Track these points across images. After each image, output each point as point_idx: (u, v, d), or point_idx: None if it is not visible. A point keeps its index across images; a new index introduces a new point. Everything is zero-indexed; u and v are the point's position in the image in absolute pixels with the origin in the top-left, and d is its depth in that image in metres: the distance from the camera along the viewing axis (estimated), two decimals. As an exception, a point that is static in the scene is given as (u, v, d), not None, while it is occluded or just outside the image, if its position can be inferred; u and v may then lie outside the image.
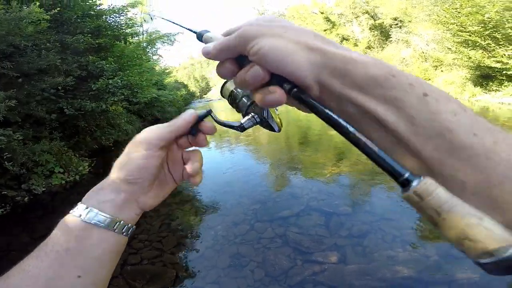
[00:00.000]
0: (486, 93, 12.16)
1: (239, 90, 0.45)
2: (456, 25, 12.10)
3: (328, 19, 28.60)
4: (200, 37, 0.39)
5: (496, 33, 10.83)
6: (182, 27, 0.49)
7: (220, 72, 0.32)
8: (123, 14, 9.13)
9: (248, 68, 0.29)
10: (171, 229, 3.55)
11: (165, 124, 0.38)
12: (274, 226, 3.30)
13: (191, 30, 0.43)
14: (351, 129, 0.25)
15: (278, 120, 0.42)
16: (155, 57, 22.25)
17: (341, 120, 0.25)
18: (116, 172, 0.37)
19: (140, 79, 8.24)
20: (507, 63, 10.65)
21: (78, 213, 0.35)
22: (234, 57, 0.31)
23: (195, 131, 0.40)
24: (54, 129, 6.13)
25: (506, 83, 11.27)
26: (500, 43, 10.91)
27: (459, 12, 11.82)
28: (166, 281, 2.67)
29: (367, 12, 24.42)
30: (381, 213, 3.39)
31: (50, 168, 5.34)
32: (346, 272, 2.44)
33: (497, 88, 11.63)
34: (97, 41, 7.13)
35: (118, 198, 0.36)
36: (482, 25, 11.05)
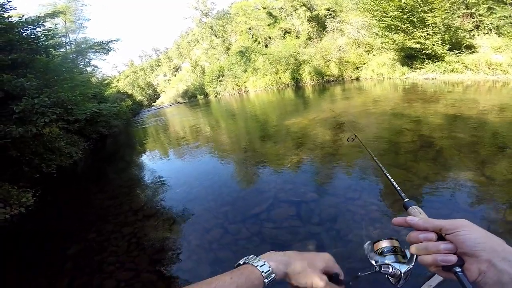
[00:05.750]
0: (413, 71, 13.82)
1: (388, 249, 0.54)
2: (380, 12, 13.43)
3: (270, 14, 29.30)
4: (406, 207, 0.58)
5: (412, 17, 12.32)
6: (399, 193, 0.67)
7: (417, 236, 0.48)
8: (39, 25, 8.09)
9: (442, 242, 0.46)
10: (141, 247, 3.28)
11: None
12: (248, 225, 3.26)
13: (401, 198, 0.63)
14: None
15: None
16: (89, 69, 20.30)
17: None
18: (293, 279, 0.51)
19: (73, 94, 7.37)
20: (424, 43, 12.21)
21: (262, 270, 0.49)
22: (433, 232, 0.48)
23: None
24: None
25: (427, 61, 12.94)
26: (416, 25, 12.44)
27: (380, -1, 13.12)
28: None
29: (304, 5, 25.61)
30: (344, 193, 3.59)
31: (-14, 204, 4.74)
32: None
33: (421, 66, 13.29)
34: (10, 57, 6.18)
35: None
36: (400, 10, 12.45)
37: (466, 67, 11.27)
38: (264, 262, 0.50)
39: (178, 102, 37.94)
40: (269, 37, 29.37)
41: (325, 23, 22.95)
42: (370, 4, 13.85)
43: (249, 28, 32.25)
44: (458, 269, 0.43)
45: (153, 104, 44.46)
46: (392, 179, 0.70)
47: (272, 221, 3.27)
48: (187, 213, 3.93)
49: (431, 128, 5.50)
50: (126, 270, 2.90)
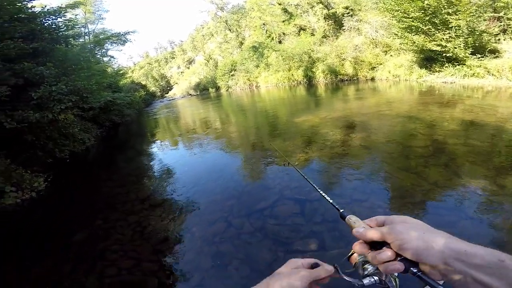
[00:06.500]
0: (431, 74, 13.37)
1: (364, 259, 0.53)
2: (400, 12, 13.02)
3: (285, 10, 28.94)
4: (343, 217, 0.59)
5: (435, 19, 11.87)
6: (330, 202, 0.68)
7: (355, 247, 0.51)
8: (60, 16, 8.32)
9: (378, 252, 0.46)
10: (145, 237, 3.35)
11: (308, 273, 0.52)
12: (252, 220, 3.28)
13: (337, 209, 0.64)
14: None
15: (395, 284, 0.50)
16: (105, 59, 20.67)
17: None
18: None
19: (89, 83, 7.58)
20: (446, 46, 11.76)
21: None
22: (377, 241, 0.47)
23: None
24: (-4, 147, 5.49)
25: (446, 64, 12.48)
26: (438, 27, 11.99)
27: (402, -1, 12.70)
28: (149, 290, 2.53)
29: (321, 2, 25.13)
30: (351, 194, 3.54)
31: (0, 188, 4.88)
32: (328, 259, 2.46)
33: (440, 69, 12.84)
34: (31, 46, 6.38)
35: None
36: (423, 11, 12.02)
37: (488, 72, 10.81)
38: None
39: (190, 95, 38.25)
40: (283, 33, 29.05)
41: (342, 22, 22.45)
42: (391, 4, 13.44)
43: (264, 24, 32.00)
44: (415, 270, 0.42)
45: (165, 95, 44.98)
46: (324, 194, 0.71)
47: (275, 217, 3.27)
48: (192, 205, 3.98)
49: (445, 133, 5.33)
50: (128, 259, 2.96)
